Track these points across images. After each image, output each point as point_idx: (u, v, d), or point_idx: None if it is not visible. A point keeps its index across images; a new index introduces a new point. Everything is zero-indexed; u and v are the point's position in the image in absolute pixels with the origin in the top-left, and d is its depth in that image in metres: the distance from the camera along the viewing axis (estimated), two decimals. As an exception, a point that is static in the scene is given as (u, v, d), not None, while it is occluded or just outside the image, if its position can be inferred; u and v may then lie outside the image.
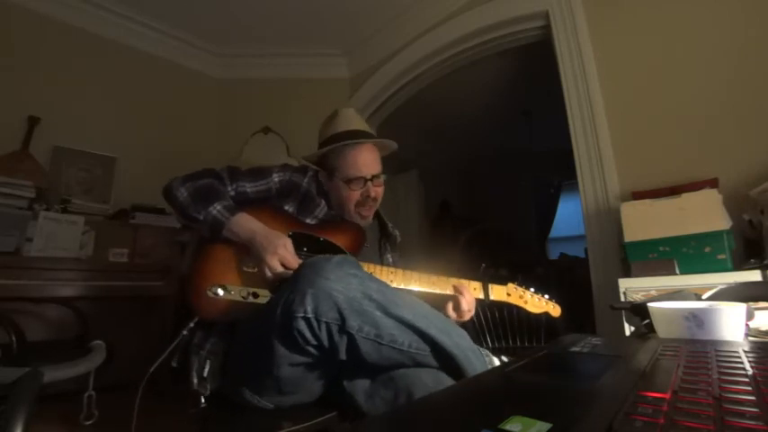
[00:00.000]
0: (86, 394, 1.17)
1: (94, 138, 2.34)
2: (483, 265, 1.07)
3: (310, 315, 0.66)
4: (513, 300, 1.08)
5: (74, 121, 2.30)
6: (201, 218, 0.89)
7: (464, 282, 0.99)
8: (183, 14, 2.55)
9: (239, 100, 2.94)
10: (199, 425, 0.81)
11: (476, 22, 2.23)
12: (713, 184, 1.31)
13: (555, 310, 1.14)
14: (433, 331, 0.71)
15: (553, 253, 4.89)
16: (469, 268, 1.07)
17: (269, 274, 0.86)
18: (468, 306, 0.96)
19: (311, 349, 0.69)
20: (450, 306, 0.97)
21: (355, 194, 1.03)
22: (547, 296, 1.14)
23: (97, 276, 1.85)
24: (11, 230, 1.76)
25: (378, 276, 0.93)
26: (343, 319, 0.67)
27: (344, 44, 2.84)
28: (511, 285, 1.08)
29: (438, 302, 0.97)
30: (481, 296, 1.02)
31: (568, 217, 4.91)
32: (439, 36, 2.40)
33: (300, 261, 0.88)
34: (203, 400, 0.82)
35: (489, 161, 5.09)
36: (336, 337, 0.68)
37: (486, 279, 1.04)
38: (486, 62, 2.58)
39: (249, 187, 1.00)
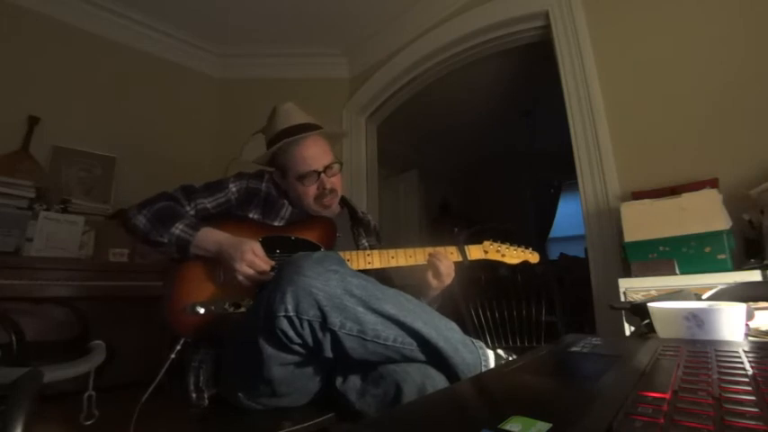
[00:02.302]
0: (86, 394, 1.17)
1: (94, 138, 2.33)
2: (456, 229, 1.08)
3: (291, 313, 0.66)
4: (492, 255, 1.08)
5: (74, 121, 2.30)
6: (166, 240, 0.89)
7: (440, 249, 1.00)
8: (183, 14, 2.55)
9: (239, 100, 2.94)
10: (199, 425, 0.82)
11: (476, 22, 2.23)
12: (713, 184, 1.31)
13: (533, 256, 1.14)
14: (418, 325, 0.70)
15: (553, 253, 4.89)
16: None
17: (242, 279, 0.86)
18: (447, 270, 0.97)
19: (297, 347, 0.69)
20: (429, 274, 0.97)
21: (311, 189, 1.03)
22: (524, 246, 1.14)
23: (97, 276, 1.84)
24: (11, 230, 1.76)
25: (355, 261, 0.94)
26: (324, 316, 0.66)
27: (344, 44, 2.84)
28: (487, 243, 1.09)
29: (419, 274, 0.98)
30: (460, 259, 1.02)
31: (568, 217, 4.90)
32: (439, 36, 2.40)
33: (272, 263, 0.88)
34: (205, 400, 0.83)
35: (489, 161, 5.09)
36: (319, 334, 0.67)
37: (462, 241, 1.05)
38: (486, 62, 2.58)
39: (208, 202, 0.99)
